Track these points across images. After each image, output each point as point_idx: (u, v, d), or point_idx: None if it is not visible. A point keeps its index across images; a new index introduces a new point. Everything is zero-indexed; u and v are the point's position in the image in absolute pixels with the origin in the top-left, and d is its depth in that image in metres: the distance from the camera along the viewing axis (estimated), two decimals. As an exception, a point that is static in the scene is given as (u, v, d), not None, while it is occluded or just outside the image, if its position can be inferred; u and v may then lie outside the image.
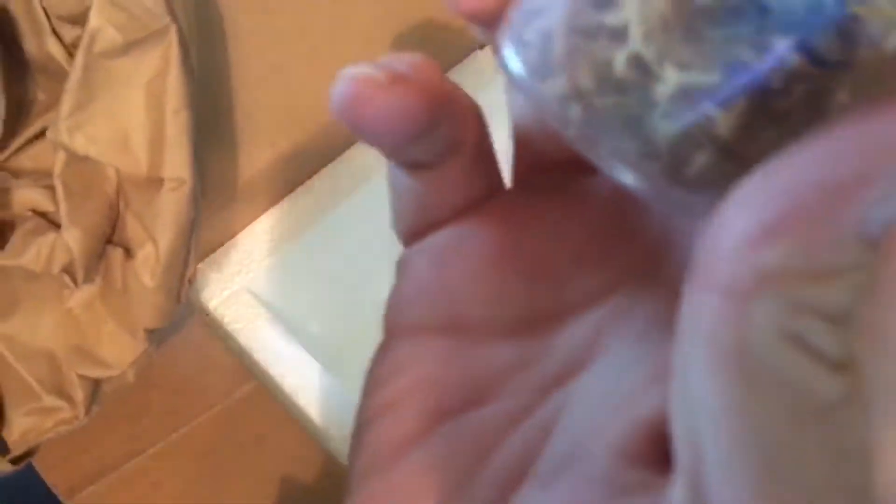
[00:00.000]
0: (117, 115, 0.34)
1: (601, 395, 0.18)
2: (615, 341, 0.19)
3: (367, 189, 0.49)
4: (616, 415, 0.17)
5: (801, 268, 0.11)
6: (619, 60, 0.16)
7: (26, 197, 0.37)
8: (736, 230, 0.11)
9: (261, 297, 0.44)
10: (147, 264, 0.36)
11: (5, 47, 0.35)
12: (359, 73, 0.18)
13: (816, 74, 0.15)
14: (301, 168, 0.46)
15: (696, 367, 0.12)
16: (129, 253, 0.37)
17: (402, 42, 0.47)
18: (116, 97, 0.34)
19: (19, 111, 0.36)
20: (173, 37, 0.34)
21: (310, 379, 0.43)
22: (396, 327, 0.21)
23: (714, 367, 0.12)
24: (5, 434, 0.38)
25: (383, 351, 0.21)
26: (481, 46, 0.53)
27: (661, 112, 0.16)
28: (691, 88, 0.16)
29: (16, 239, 0.36)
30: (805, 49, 0.15)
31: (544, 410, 0.19)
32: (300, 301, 0.48)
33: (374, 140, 0.19)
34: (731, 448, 0.12)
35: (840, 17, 0.14)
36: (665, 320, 0.18)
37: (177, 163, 0.35)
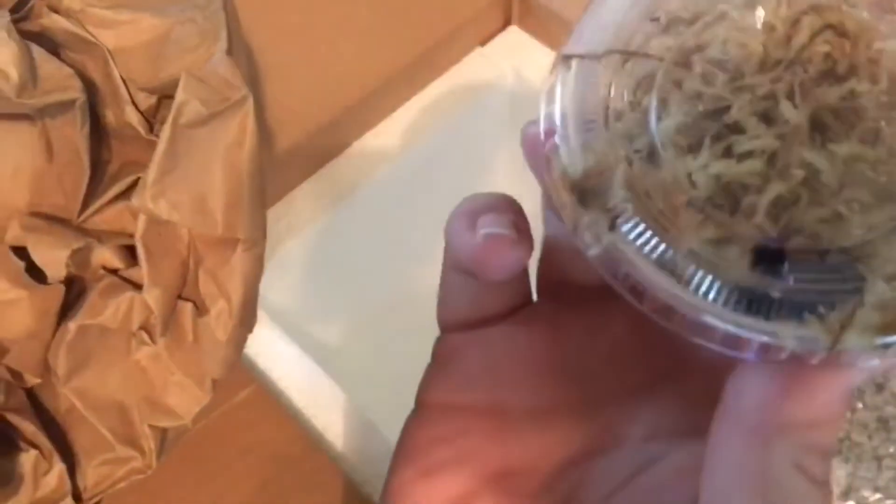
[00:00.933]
0: (197, 181, 0.36)
1: (627, 477, 0.23)
2: (633, 434, 0.23)
3: (365, 192, 0.51)
4: (651, 499, 0.22)
5: (803, 420, 0.18)
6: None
7: (100, 256, 0.39)
8: (758, 392, 0.18)
9: (260, 299, 0.45)
10: (221, 320, 0.38)
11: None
12: (493, 232, 0.22)
13: None
14: (298, 170, 0.47)
15: (728, 478, 0.18)
16: (199, 308, 0.39)
17: (402, 42, 0.49)
18: (197, 164, 0.36)
19: (96, 175, 0.38)
20: (249, 107, 0.37)
21: (308, 380, 0.45)
22: (437, 404, 0.25)
23: (742, 485, 0.18)
24: (79, 482, 0.40)
25: (421, 422, 0.25)
26: (482, 43, 0.55)
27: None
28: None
29: (93, 297, 0.38)
30: None
31: (566, 484, 0.23)
32: (299, 302, 0.49)
33: (480, 276, 0.23)
34: None
35: None
36: (681, 422, 0.23)
37: (250, 225, 0.38)
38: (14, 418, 0.39)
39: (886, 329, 0.17)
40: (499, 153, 0.60)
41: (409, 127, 0.52)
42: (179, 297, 0.40)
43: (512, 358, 0.24)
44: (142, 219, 0.37)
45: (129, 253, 0.40)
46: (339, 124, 0.48)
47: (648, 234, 0.19)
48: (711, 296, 0.18)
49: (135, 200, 0.36)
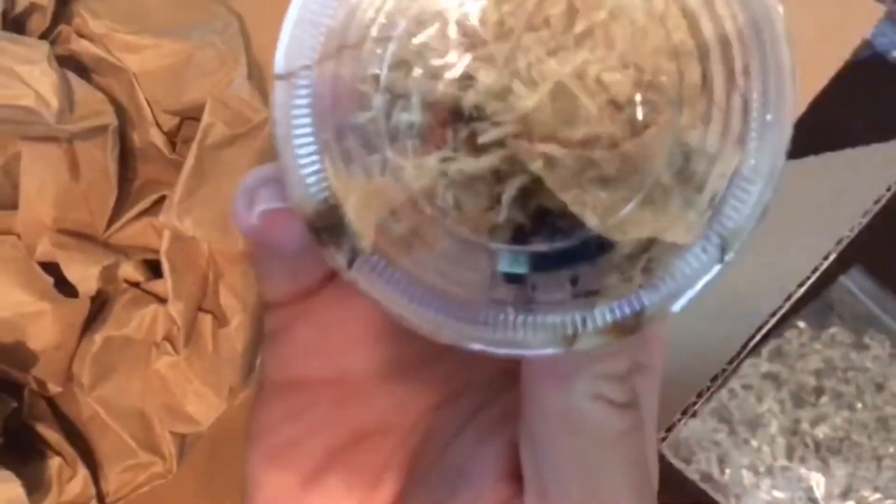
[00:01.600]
0: (220, 199, 0.38)
1: (463, 423, 0.24)
2: (471, 381, 0.24)
3: None
4: (483, 443, 0.23)
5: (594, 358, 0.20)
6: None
7: (124, 270, 0.40)
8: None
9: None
10: (241, 331, 0.40)
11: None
12: (267, 208, 0.21)
13: None
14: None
15: (540, 419, 0.20)
16: (219, 319, 0.41)
17: None
18: (220, 183, 0.38)
19: (121, 192, 0.39)
20: (270, 129, 0.38)
21: None
22: (279, 380, 0.24)
23: (549, 423, 0.20)
24: (102, 487, 0.41)
25: (268, 400, 0.24)
26: None
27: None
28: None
29: (117, 310, 0.40)
30: None
31: (415, 438, 0.24)
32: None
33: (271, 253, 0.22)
34: (564, 467, 0.20)
35: None
36: (509, 366, 0.23)
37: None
38: (39, 426, 0.41)
39: (612, 335, 0.18)
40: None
41: None
42: (199, 308, 0.41)
43: (343, 323, 0.23)
44: (166, 235, 0.38)
45: (149, 266, 0.41)
46: None
47: (387, 270, 0.18)
48: (464, 316, 0.18)
49: (162, 217, 0.37)
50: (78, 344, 0.40)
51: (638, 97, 0.18)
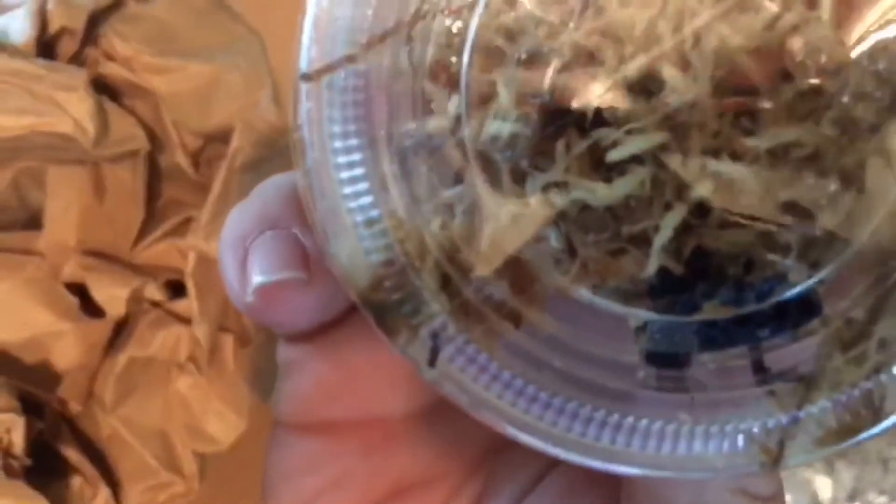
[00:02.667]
0: (246, 220, 0.38)
1: (540, 469, 0.20)
2: None
3: None
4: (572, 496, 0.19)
5: None
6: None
7: (147, 291, 0.40)
8: None
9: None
10: (262, 351, 0.40)
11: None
12: (275, 280, 0.17)
13: None
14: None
15: None
16: (241, 340, 0.41)
17: None
18: (247, 205, 0.38)
19: (145, 214, 0.40)
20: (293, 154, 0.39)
21: None
22: (298, 424, 0.20)
23: None
24: (124, 507, 0.41)
25: (286, 446, 0.20)
26: None
27: None
28: None
29: (141, 330, 0.40)
30: None
31: (473, 487, 0.20)
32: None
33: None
34: None
35: None
36: None
37: (295, 260, 0.40)
38: (60, 446, 0.41)
39: (835, 441, 0.13)
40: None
41: None
42: (220, 328, 0.42)
43: (373, 357, 0.19)
44: (192, 256, 0.39)
45: (171, 286, 0.42)
46: None
47: (484, 359, 0.13)
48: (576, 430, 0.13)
49: (189, 239, 0.37)
50: (100, 364, 0.40)
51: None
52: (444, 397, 0.15)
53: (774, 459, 0.12)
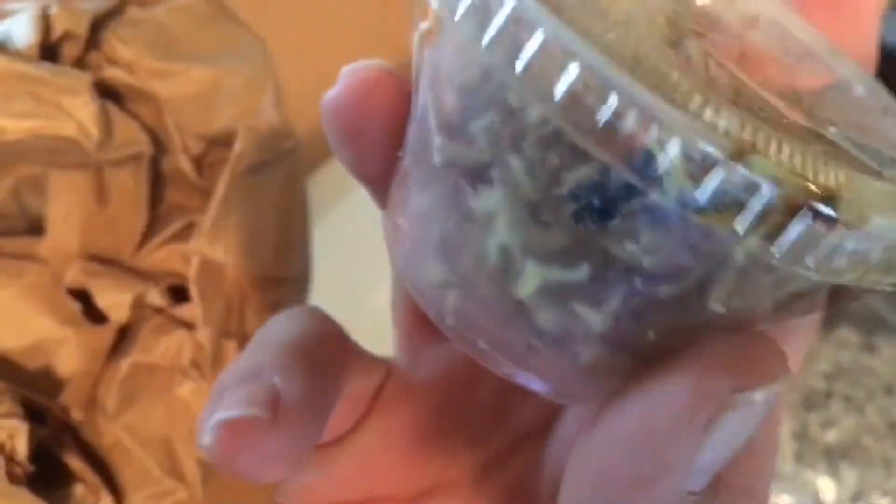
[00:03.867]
0: (250, 225, 0.38)
1: None
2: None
3: (362, 193, 0.51)
4: None
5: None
6: (492, 250, 0.15)
7: (150, 297, 0.40)
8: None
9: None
10: (268, 356, 0.40)
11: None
12: (234, 417, 0.16)
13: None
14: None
15: None
16: (244, 345, 0.41)
17: (399, 39, 0.49)
18: (250, 210, 0.38)
19: (148, 218, 0.39)
20: (297, 156, 0.39)
21: None
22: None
23: None
24: (126, 516, 0.41)
25: None
26: None
27: (534, 306, 0.15)
28: (554, 286, 0.15)
29: (144, 336, 0.40)
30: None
31: None
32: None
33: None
34: None
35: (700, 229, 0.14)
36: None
37: (297, 265, 0.40)
38: (62, 453, 0.40)
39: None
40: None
41: None
42: (223, 334, 0.41)
43: (381, 451, 0.21)
44: (195, 261, 0.38)
45: (173, 292, 0.41)
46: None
47: None
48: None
49: (192, 244, 0.37)
50: (103, 370, 0.40)
51: None
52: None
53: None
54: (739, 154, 0.13)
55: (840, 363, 0.46)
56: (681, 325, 0.15)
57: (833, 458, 0.44)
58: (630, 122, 0.13)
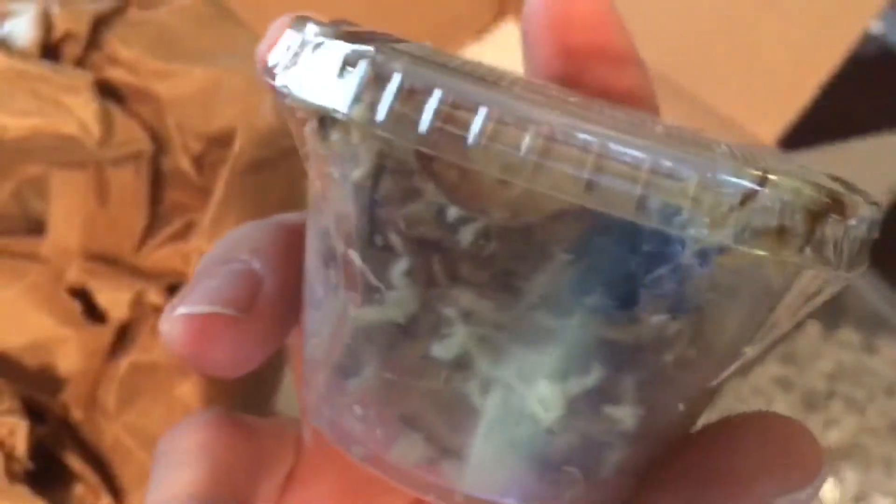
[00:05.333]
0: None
1: None
2: None
3: None
4: None
5: None
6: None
7: (150, 296, 0.40)
8: None
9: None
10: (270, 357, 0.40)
11: (142, 163, 0.39)
12: (197, 310, 0.15)
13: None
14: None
15: None
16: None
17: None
18: (250, 209, 0.38)
19: (150, 218, 0.40)
20: (297, 155, 0.39)
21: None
22: None
23: None
24: (126, 516, 0.41)
25: None
26: (476, 38, 0.55)
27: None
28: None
29: (143, 335, 0.40)
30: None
31: None
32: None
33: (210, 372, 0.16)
34: None
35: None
36: None
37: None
38: (61, 452, 0.40)
39: None
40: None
41: None
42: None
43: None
44: (195, 260, 0.39)
45: (172, 291, 0.41)
46: None
47: None
48: None
49: (192, 243, 0.38)
50: (103, 369, 0.40)
51: None
52: None
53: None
54: (762, 181, 0.12)
55: (841, 363, 0.46)
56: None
57: (834, 458, 0.44)
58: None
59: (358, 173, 0.13)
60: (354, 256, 0.14)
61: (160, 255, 0.40)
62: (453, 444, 0.14)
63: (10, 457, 0.34)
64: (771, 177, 0.12)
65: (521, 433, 0.13)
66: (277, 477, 0.19)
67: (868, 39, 0.58)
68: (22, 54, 0.34)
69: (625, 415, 0.13)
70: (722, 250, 0.12)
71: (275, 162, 0.39)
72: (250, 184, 0.38)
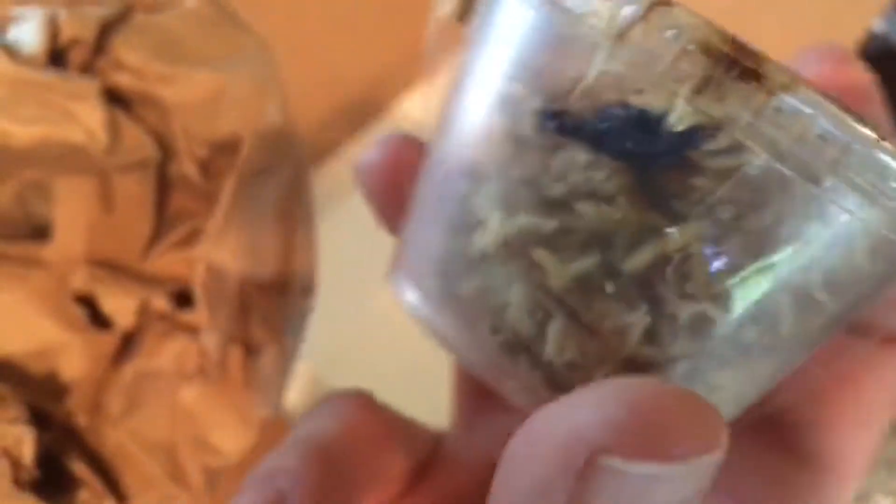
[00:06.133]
0: (255, 230, 0.38)
1: None
2: None
3: (358, 194, 0.50)
4: None
5: None
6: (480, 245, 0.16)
7: (155, 302, 0.40)
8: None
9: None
10: (273, 363, 0.40)
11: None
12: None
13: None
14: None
15: None
16: (250, 351, 0.41)
17: (393, 40, 0.49)
18: (255, 215, 0.38)
19: (155, 224, 0.39)
20: (304, 160, 0.39)
21: (302, 386, 0.45)
22: None
23: None
24: (130, 522, 0.41)
25: None
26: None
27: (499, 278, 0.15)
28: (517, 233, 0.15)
29: (149, 341, 0.40)
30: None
31: None
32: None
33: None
34: None
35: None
36: None
37: (304, 270, 0.40)
38: (65, 459, 0.40)
39: None
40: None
41: (403, 126, 0.52)
42: (228, 339, 0.41)
43: None
44: (201, 267, 0.38)
45: (177, 297, 0.41)
46: (332, 125, 0.48)
47: None
48: None
49: (198, 249, 0.37)
50: (107, 375, 0.40)
51: None
52: None
53: None
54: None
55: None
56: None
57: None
58: None
59: None
60: None
61: (165, 261, 0.40)
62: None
63: (16, 465, 0.34)
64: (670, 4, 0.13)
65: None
66: (409, 460, 0.21)
67: (870, 38, 0.58)
68: (29, 61, 0.33)
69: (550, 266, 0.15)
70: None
71: (280, 169, 0.38)
72: (256, 190, 0.38)
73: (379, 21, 0.49)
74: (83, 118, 0.32)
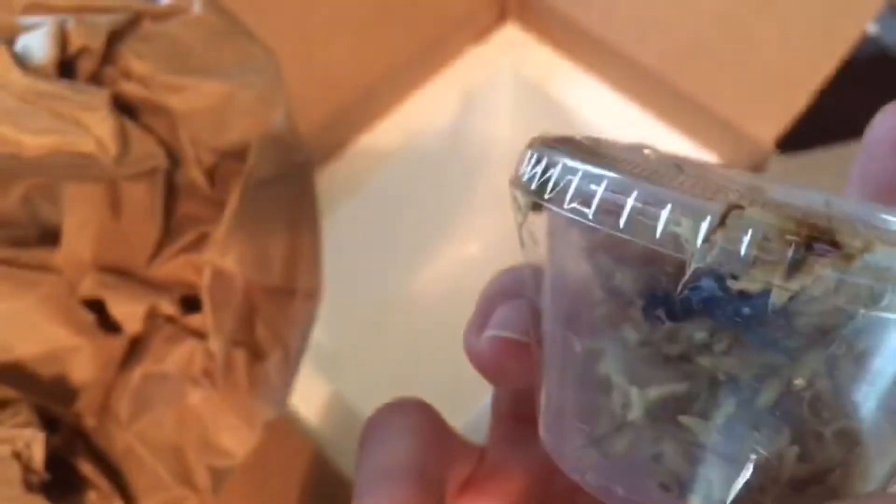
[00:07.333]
0: (261, 237, 0.39)
1: None
2: None
3: (360, 193, 0.50)
4: None
5: None
6: (615, 401, 0.17)
7: (162, 307, 0.41)
8: None
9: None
10: (278, 367, 0.41)
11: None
12: (503, 334, 0.20)
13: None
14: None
15: None
16: (255, 354, 0.42)
17: (396, 41, 0.49)
18: (262, 222, 0.39)
19: (163, 230, 0.40)
20: (310, 168, 0.39)
21: (307, 386, 0.46)
22: None
23: None
24: (138, 523, 0.41)
25: None
26: (478, 41, 0.55)
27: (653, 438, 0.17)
28: (661, 405, 0.16)
29: (156, 345, 0.40)
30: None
31: None
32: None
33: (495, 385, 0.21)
34: None
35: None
36: None
37: (309, 276, 0.40)
38: (74, 460, 0.41)
39: None
40: (496, 153, 0.61)
41: (404, 127, 0.51)
42: (234, 343, 0.42)
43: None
44: (207, 272, 0.39)
45: (185, 301, 0.42)
46: (333, 125, 0.48)
47: None
48: None
49: (205, 255, 0.38)
50: (116, 379, 0.41)
51: None
52: None
53: None
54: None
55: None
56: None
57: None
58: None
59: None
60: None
61: (173, 266, 0.41)
62: None
63: (27, 468, 0.35)
64: (742, 207, 0.14)
65: (633, 445, 0.17)
66: (462, 473, 0.22)
67: (865, 41, 0.58)
68: (39, 70, 0.34)
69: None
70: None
71: (286, 175, 0.39)
72: (262, 197, 0.39)
73: (379, 22, 0.49)
74: (94, 129, 0.33)
